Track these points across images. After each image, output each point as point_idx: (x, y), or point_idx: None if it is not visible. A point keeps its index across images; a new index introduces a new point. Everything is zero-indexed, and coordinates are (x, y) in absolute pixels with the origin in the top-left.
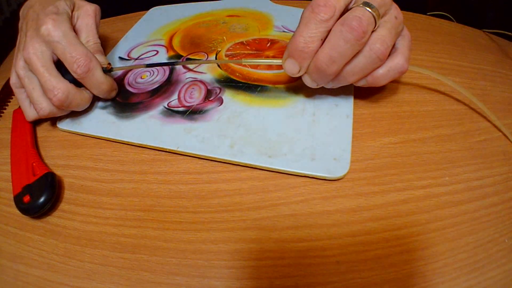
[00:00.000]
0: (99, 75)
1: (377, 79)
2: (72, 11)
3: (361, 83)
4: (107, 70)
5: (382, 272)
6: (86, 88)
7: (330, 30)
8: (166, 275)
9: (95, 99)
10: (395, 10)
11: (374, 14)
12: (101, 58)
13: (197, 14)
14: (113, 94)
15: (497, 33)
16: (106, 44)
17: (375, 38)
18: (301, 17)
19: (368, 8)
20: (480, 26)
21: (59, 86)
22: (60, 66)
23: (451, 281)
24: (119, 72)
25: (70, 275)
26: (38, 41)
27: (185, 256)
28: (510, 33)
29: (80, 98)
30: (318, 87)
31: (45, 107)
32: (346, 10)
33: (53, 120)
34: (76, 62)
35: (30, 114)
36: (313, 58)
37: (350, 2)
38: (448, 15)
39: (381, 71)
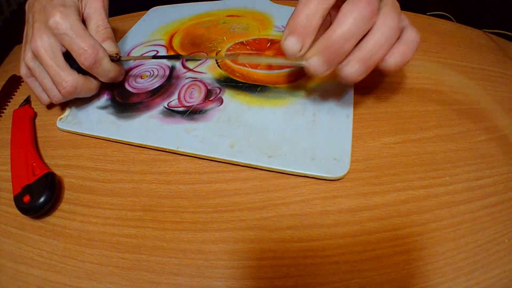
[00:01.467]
0: (106, 65)
1: (403, 55)
2: (80, 1)
3: (387, 64)
4: (115, 59)
5: (382, 272)
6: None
7: (331, 7)
8: (166, 275)
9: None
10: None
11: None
12: (110, 45)
13: (197, 14)
14: (120, 79)
15: (497, 33)
16: None
17: (384, 14)
18: None
19: None
20: (480, 26)
21: (68, 79)
22: (68, 56)
23: (451, 281)
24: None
25: (70, 275)
26: (46, 33)
27: (185, 256)
28: (510, 33)
29: (88, 87)
30: (327, 72)
31: (57, 95)
32: None
33: (53, 120)
34: (83, 54)
35: (44, 98)
36: (325, 36)
37: None
38: (448, 15)
39: (401, 46)
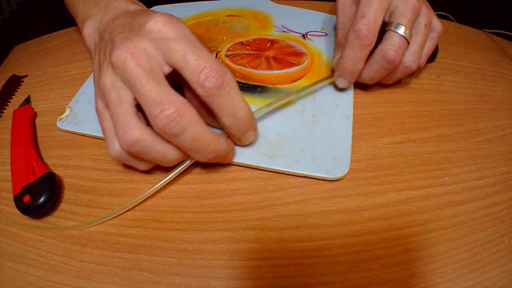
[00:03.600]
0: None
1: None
2: None
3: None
4: None
5: (382, 272)
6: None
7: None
8: (166, 275)
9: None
10: (424, 16)
11: (406, 36)
12: None
13: (197, 14)
14: (230, 156)
15: (497, 33)
16: None
17: (408, 55)
18: (347, 40)
19: (400, 32)
20: (480, 26)
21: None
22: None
23: (451, 281)
24: None
25: (70, 275)
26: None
27: (185, 256)
28: (510, 33)
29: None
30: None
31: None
32: (383, 23)
33: (53, 120)
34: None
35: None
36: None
37: (386, 14)
38: (448, 15)
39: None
